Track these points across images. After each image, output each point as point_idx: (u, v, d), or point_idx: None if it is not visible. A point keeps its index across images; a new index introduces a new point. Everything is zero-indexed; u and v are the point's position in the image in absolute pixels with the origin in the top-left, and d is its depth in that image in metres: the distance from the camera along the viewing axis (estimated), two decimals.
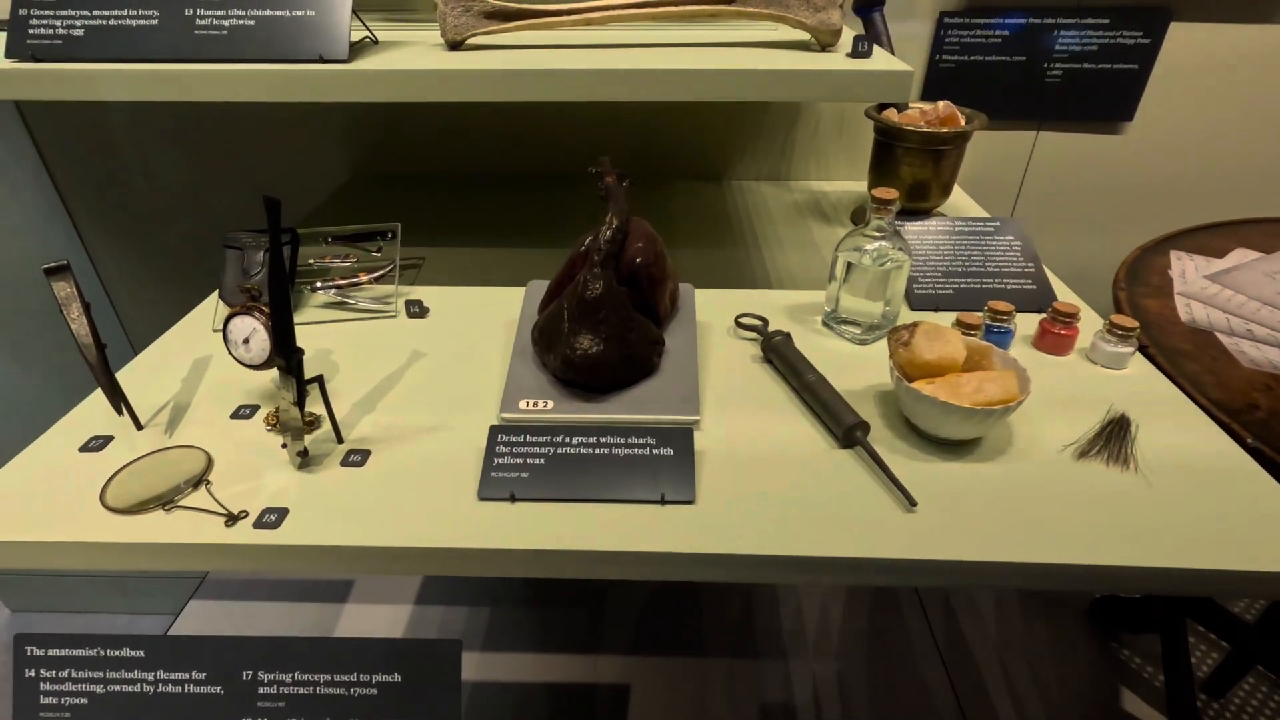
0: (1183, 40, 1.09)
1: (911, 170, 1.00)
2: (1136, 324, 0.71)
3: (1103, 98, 1.14)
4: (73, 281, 0.57)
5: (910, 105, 1.01)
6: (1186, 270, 0.99)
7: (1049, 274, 0.86)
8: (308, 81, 0.69)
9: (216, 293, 0.85)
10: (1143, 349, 0.77)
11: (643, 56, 0.70)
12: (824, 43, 0.75)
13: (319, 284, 0.85)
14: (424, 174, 1.27)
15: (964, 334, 0.70)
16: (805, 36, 0.76)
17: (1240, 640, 1.17)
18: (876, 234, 0.73)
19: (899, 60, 0.70)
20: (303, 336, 0.58)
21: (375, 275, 0.86)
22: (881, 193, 0.71)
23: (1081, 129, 1.18)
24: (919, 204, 1.02)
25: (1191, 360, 0.79)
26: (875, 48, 0.73)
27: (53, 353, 1.37)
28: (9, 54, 0.70)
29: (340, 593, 1.41)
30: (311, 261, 0.86)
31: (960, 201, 1.13)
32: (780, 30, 0.81)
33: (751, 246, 1.03)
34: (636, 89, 0.67)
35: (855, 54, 0.71)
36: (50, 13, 0.72)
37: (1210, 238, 1.08)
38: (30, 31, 0.71)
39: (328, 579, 1.44)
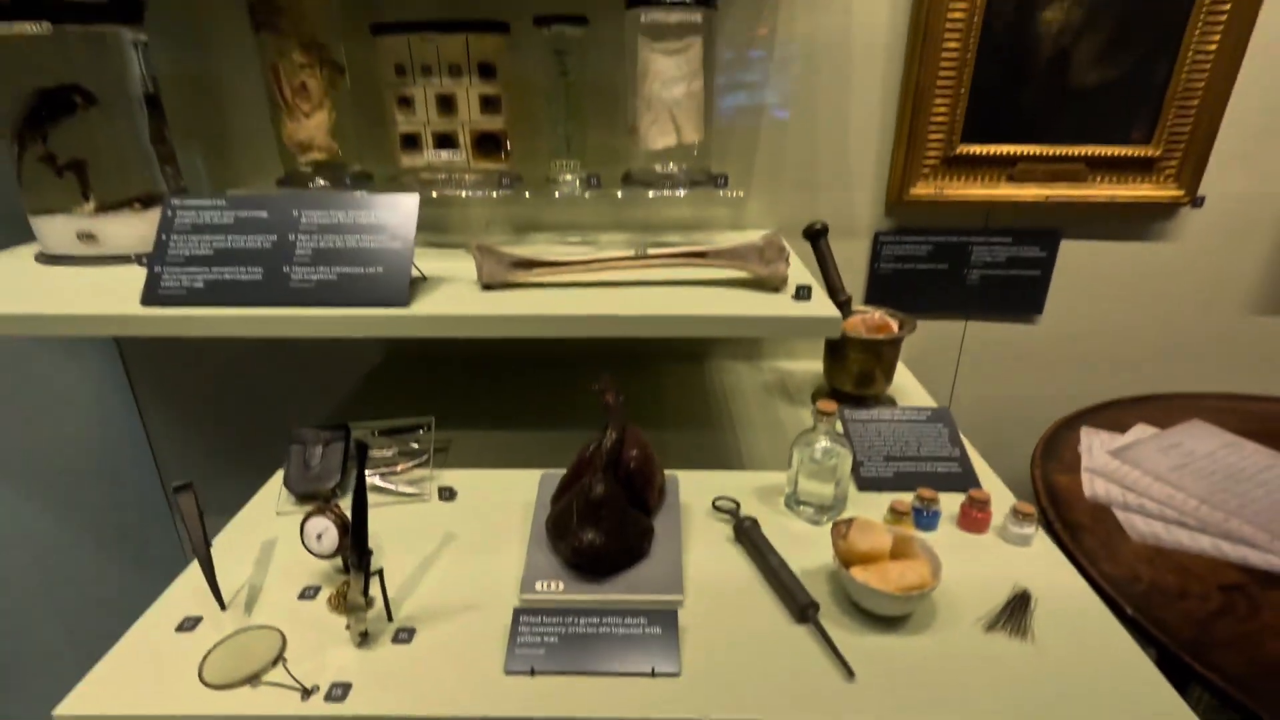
0: (1073, 254, 1.35)
1: (858, 362, 1.20)
2: (1033, 509, 0.88)
3: (1014, 297, 1.38)
4: (194, 498, 0.74)
5: (853, 310, 1.24)
6: (1093, 446, 1.18)
7: (973, 453, 1.04)
8: (377, 323, 0.89)
9: (280, 477, 1.01)
10: (1049, 525, 0.94)
11: (635, 299, 0.91)
12: (774, 285, 0.97)
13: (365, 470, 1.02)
14: (449, 356, 1.48)
15: (896, 520, 0.87)
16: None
17: None
18: (823, 435, 0.92)
19: (830, 305, 0.91)
20: None
21: (413, 463, 1.03)
22: (824, 405, 0.90)
23: (1002, 319, 1.42)
24: (865, 390, 1.21)
25: (1089, 534, 0.95)
26: (813, 290, 0.95)
27: (105, 526, 1.48)
28: (145, 301, 0.91)
29: None
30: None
31: (906, 382, 1.33)
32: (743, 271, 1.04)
33: (727, 428, 1.21)
34: (628, 328, 0.87)
35: (798, 297, 0.93)
36: (178, 269, 0.93)
37: (1116, 413, 1.28)
38: (162, 285, 0.92)
39: None
